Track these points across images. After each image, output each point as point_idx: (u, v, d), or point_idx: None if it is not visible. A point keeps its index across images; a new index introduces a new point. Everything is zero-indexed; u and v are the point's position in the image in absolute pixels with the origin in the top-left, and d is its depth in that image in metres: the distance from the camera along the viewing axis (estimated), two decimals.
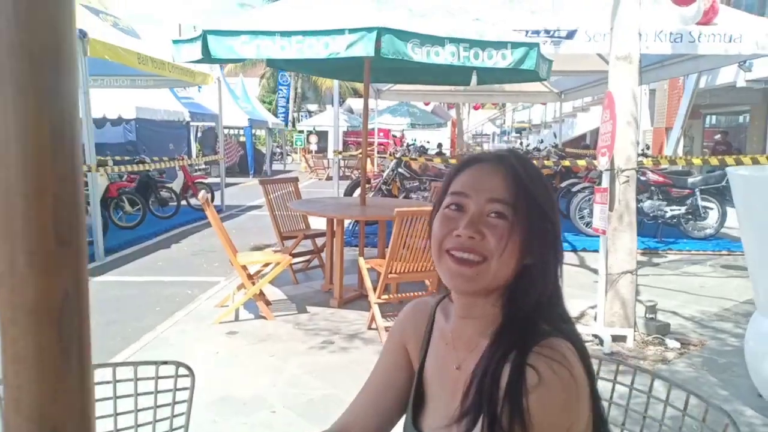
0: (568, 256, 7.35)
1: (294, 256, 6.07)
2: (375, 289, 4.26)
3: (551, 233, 0.97)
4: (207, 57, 4.01)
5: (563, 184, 10.05)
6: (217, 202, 12.30)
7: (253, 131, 26.35)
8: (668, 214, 8.11)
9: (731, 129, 17.42)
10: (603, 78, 12.03)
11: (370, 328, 4.44)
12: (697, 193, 8.10)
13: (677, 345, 4.12)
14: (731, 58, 7.81)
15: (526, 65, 4.13)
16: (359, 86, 12.94)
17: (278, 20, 4.00)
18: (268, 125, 24.72)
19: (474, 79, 5.97)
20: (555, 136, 14.24)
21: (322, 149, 29.59)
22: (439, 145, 21.82)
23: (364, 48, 3.71)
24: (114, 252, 7.97)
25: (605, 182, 4.16)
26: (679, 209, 8.12)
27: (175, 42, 4.61)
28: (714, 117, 18.95)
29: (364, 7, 4.03)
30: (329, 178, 21.22)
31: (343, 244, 4.94)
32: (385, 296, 4.28)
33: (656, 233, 8.13)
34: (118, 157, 12.05)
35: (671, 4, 6.70)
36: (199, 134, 24.87)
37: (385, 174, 8.44)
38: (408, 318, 1.14)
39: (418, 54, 3.82)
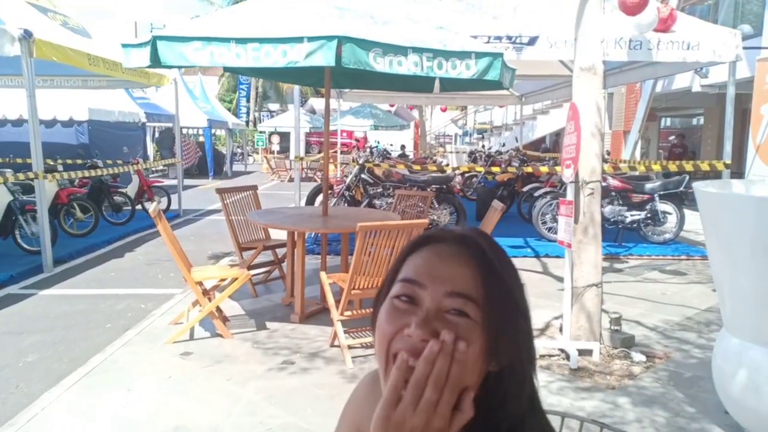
0: (531, 263, 7.34)
1: (253, 267, 5.89)
2: (338, 305, 4.12)
3: (525, 330, 0.79)
4: (156, 63, 3.80)
5: (525, 189, 10.07)
6: (174, 206, 11.96)
7: (213, 131, 25.79)
8: (628, 219, 8.17)
9: (685, 130, 17.81)
10: (562, 82, 12.19)
11: (332, 346, 4.29)
12: (656, 198, 8.19)
13: (643, 358, 4.09)
14: (689, 65, 7.91)
15: (490, 76, 4.04)
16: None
17: (233, 26, 3.81)
18: (228, 125, 24.26)
19: (436, 86, 5.90)
20: (516, 140, 14.30)
21: (285, 149, 29.25)
22: (403, 147, 21.79)
23: (324, 57, 3.55)
24: (64, 262, 7.62)
25: (570, 195, 4.11)
26: (639, 214, 8.19)
27: (125, 46, 4.37)
28: (668, 119, 19.37)
29: (325, 14, 3.87)
30: (291, 180, 20.93)
31: (304, 257, 4.78)
32: (348, 312, 4.14)
33: (617, 238, 8.19)
34: (69, 161, 11.63)
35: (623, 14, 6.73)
36: (156, 135, 24.28)
37: (348, 180, 8.29)
38: (363, 399, 0.97)
39: (381, 64, 3.68)
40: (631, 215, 8.17)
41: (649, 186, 8.23)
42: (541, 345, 4.20)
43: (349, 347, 4.07)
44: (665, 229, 8.36)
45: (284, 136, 29.71)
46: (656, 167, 7.98)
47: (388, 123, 23.22)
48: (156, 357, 4.13)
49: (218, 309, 4.76)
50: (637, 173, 9.26)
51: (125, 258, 8.04)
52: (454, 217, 8.21)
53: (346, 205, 8.31)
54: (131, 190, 11.27)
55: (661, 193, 8.21)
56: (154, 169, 20.50)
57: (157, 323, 4.88)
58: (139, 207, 11.41)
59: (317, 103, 31.64)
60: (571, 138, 4.02)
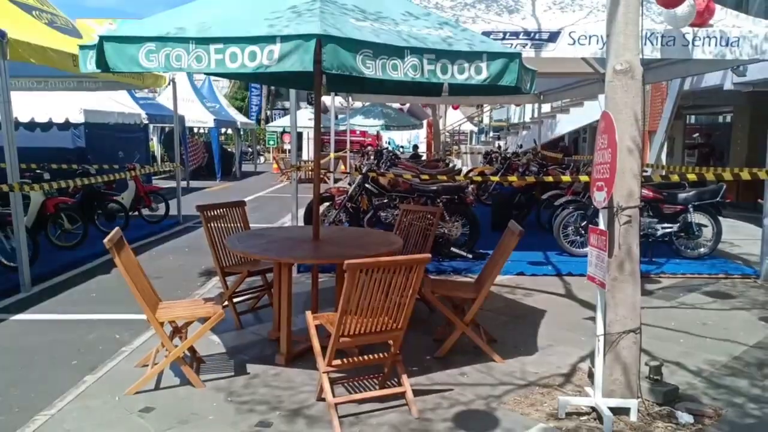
0: (553, 283, 6.64)
1: (238, 294, 5.27)
2: (326, 353, 3.46)
3: None
4: (105, 69, 3.18)
5: (544, 196, 9.37)
6: (173, 211, 11.39)
7: (224, 131, 25.20)
8: (660, 232, 7.44)
9: (710, 128, 16.93)
10: (583, 80, 11.41)
11: (320, 399, 3.64)
12: (691, 209, 7.45)
13: (690, 419, 3.39)
14: (727, 63, 7.14)
15: (505, 80, 3.36)
16: None
17: (194, 23, 3.17)
18: (236, 124, 23.72)
19: (445, 90, 5.22)
20: (535, 143, 13.55)
21: (297, 148, 28.62)
22: (415, 147, 21.12)
23: (300, 61, 2.90)
24: (45, 280, 7.07)
25: (602, 223, 3.42)
26: (671, 227, 7.46)
27: (82, 48, 3.76)
28: (693, 116, 18.48)
29: (303, 7, 3.20)
30: (301, 181, 20.35)
31: (290, 292, 4.13)
32: (338, 361, 3.49)
33: (647, 253, 7.46)
34: (65, 166, 11.08)
35: (660, 6, 6.01)
36: (164, 135, 23.82)
37: (351, 190, 7.63)
38: None
39: (371, 68, 3.02)
40: (663, 228, 7.44)
41: (682, 196, 7.49)
42: (567, 402, 3.51)
43: (338, 405, 3.41)
44: (700, 243, 7.62)
45: (297, 135, 29.06)
46: (691, 176, 7.22)
47: (400, 122, 22.53)
48: (111, 414, 3.50)
49: (192, 349, 4.14)
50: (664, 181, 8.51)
51: (111, 274, 7.47)
52: (467, 229, 7.51)
53: (347, 218, 7.67)
54: (127, 196, 10.72)
55: (696, 203, 7.47)
56: (161, 169, 20.03)
57: (123, 365, 4.27)
58: (136, 214, 10.92)
59: (328, 100, 31.00)
60: (603, 155, 3.33)
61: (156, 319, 3.72)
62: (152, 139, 26.60)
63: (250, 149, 30.00)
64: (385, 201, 7.48)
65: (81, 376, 4.19)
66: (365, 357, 3.56)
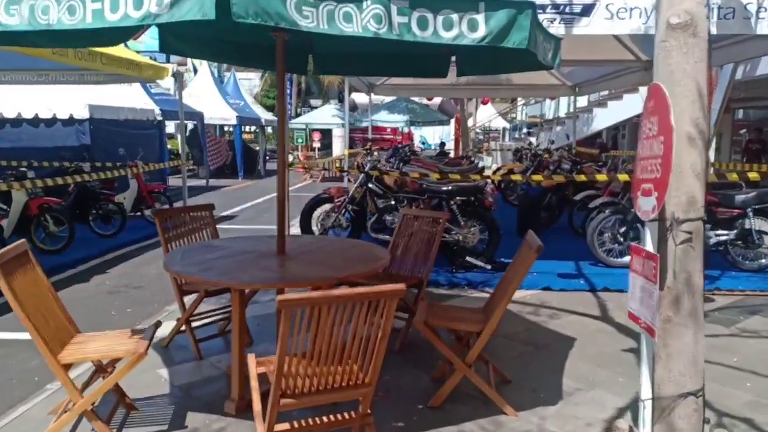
0: (585, 300, 5.61)
1: (195, 318, 4.39)
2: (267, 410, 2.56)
3: None
4: None
5: (578, 197, 8.31)
6: None
7: (251, 129, 24.54)
8: (713, 241, 6.35)
9: (762, 123, 15.52)
10: (622, 69, 10.23)
11: None
12: (750, 214, 6.34)
13: None
14: None
15: (512, 41, 2.40)
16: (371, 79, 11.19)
17: None
18: (261, 122, 23.06)
19: (452, 70, 4.28)
20: (568, 138, 12.43)
21: (327, 146, 27.93)
22: (442, 145, 20.11)
23: (200, 5, 2.00)
24: None
25: (649, 242, 2.43)
26: (727, 234, 6.36)
27: None
28: (741, 110, 17.04)
29: None
30: (324, 180, 19.62)
31: (243, 320, 3.25)
32: (284, 425, 2.58)
33: None
34: (68, 164, 10.46)
35: None
36: (189, 133, 23.30)
37: (352, 190, 6.72)
38: None
39: (310, 18, 2.11)
40: (717, 235, 6.35)
41: (739, 198, 6.38)
42: None
43: None
44: (761, 253, 6.49)
45: (326, 133, 28.28)
46: (753, 175, 6.11)
47: (426, 118, 21.54)
48: None
49: (120, 392, 3.30)
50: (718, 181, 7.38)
51: (90, 283, 6.75)
52: (485, 235, 6.53)
53: (349, 222, 6.76)
54: (129, 196, 10.06)
55: (756, 206, 6.35)
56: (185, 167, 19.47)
57: (37, 410, 3.46)
58: (138, 215, 10.26)
59: (359, 97, 30.08)
60: (651, 146, 2.35)
61: (58, 361, 2.88)
62: (176, 137, 26.18)
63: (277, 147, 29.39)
64: (392, 203, 6.54)
65: None
66: (322, 420, 2.64)
